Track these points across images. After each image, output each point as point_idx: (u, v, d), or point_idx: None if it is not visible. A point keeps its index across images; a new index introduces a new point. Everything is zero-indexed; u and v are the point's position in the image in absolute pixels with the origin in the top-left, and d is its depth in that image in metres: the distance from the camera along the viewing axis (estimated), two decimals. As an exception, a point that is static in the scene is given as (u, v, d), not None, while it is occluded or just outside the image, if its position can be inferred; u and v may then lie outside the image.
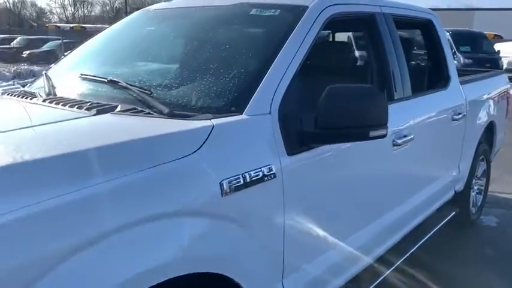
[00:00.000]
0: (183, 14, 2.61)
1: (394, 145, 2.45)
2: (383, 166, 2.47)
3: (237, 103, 1.78)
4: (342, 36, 8.35)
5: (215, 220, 1.52)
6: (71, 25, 39.93)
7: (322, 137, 1.82)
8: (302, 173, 1.85)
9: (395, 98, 2.58)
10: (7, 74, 15.37)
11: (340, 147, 2.03)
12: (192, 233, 1.45)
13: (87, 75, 2.20)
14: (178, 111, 1.75)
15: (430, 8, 3.59)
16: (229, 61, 2.03)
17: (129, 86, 1.92)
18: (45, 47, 25.89)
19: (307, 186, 1.89)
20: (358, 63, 3.78)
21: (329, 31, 4.22)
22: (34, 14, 65.64)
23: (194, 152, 1.49)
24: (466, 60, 13.81)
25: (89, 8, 67.54)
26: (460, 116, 3.31)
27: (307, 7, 2.18)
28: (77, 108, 1.82)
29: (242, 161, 1.62)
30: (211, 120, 1.65)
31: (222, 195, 1.51)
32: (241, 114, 1.74)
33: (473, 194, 4.08)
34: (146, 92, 1.88)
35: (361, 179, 2.27)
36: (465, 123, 3.44)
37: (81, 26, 35.55)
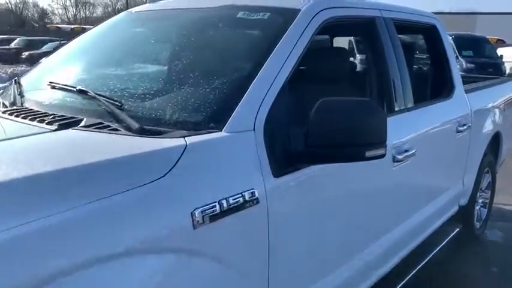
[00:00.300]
0: (165, 16, 2.41)
1: (394, 161, 2.25)
2: (382, 184, 2.26)
3: (216, 118, 1.57)
4: (344, 42, 8.16)
5: (186, 256, 1.31)
6: (72, 26, 39.88)
7: (312, 157, 1.62)
8: (290, 196, 1.65)
9: (396, 109, 2.38)
10: (3, 75, 15.14)
11: (333, 165, 1.82)
12: (157, 274, 1.24)
13: (56, 83, 1.99)
14: (149, 126, 1.55)
15: (433, 12, 3.40)
16: (211, 70, 1.83)
17: (98, 97, 1.72)
18: (45, 48, 25.67)
19: (296, 211, 1.69)
20: (355, 72, 3.58)
21: (327, 36, 4.04)
22: (36, 15, 65.60)
23: (161, 177, 1.28)
24: (469, 65, 13.60)
25: (90, 9, 67.47)
26: (465, 127, 3.10)
27: (299, 10, 1.98)
28: (38, 121, 1.62)
29: (219, 185, 1.42)
30: (185, 138, 1.44)
31: (193, 228, 1.31)
32: (221, 131, 1.53)
33: (477, 207, 3.90)
34: (116, 104, 1.68)
35: (357, 200, 2.06)
36: (470, 134, 3.24)
37: (82, 27, 35.41)
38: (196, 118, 1.59)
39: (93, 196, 1.15)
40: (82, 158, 1.27)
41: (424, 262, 2.84)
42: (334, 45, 4.17)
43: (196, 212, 1.31)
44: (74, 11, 66.21)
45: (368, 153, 1.57)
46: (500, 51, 16.05)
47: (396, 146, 2.27)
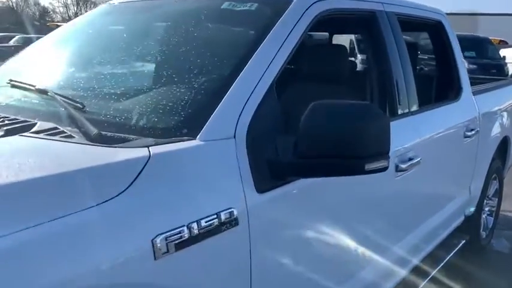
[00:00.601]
0: (144, 8, 2.18)
1: (397, 170, 2.02)
2: (383, 197, 2.04)
3: (189, 123, 1.35)
4: (345, 41, 7.92)
5: (145, 292, 1.08)
6: (71, 24, 39.65)
7: (303, 169, 1.39)
8: (276, 214, 1.42)
9: (399, 113, 2.15)
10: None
11: (326, 178, 1.58)
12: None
13: (16, 81, 1.77)
14: (112, 132, 1.32)
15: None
16: (187, 68, 1.59)
17: (57, 97, 1.50)
18: (43, 46, 25.46)
19: (283, 232, 1.46)
20: (354, 72, 3.34)
21: (326, 33, 3.82)
22: (37, 13, 65.40)
23: (114, 197, 1.06)
24: (471, 66, 13.40)
25: (91, 7, 67.23)
26: (473, 132, 2.88)
27: (290, 1, 1.76)
28: None
29: (189, 205, 1.19)
30: (149, 147, 1.21)
31: (155, 258, 1.08)
32: (195, 138, 1.31)
33: (484, 216, 3.67)
34: (77, 105, 1.45)
35: (355, 216, 1.84)
36: (478, 139, 3.02)
37: (81, 26, 35.19)
38: (166, 123, 1.37)
39: (23, 223, 0.92)
40: (17, 173, 1.04)
41: (427, 279, 2.62)
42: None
43: (158, 239, 1.08)
44: (75, 9, 65.98)
45: (368, 166, 1.34)
46: (502, 52, 15.86)
47: (399, 154, 2.04)
